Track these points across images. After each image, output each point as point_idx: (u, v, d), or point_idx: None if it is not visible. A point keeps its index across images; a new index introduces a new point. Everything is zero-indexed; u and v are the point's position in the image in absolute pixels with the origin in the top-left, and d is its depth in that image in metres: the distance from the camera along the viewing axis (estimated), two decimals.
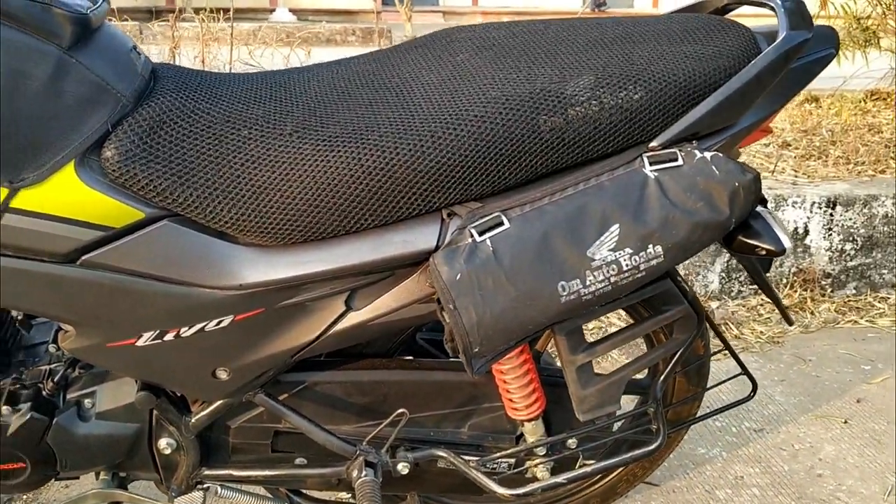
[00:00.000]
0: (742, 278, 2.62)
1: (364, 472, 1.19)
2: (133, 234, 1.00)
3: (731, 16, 1.25)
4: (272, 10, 11.06)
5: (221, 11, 3.42)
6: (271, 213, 1.00)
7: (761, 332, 2.47)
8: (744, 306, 2.61)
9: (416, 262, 1.05)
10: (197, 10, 3.15)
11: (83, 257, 0.99)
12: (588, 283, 1.00)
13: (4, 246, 0.97)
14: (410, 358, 1.31)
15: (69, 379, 1.20)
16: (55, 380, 1.17)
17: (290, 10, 11.10)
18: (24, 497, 1.80)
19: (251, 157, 1.00)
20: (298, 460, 1.28)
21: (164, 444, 1.21)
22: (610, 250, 1.00)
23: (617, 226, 1.01)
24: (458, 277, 0.97)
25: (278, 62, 3.20)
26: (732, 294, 2.63)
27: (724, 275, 2.61)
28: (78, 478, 1.29)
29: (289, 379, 1.22)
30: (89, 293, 1.01)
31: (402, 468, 1.24)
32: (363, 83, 1.12)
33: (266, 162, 1.00)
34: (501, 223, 1.01)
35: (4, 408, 1.14)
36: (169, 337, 1.06)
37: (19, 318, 1.26)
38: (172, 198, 0.98)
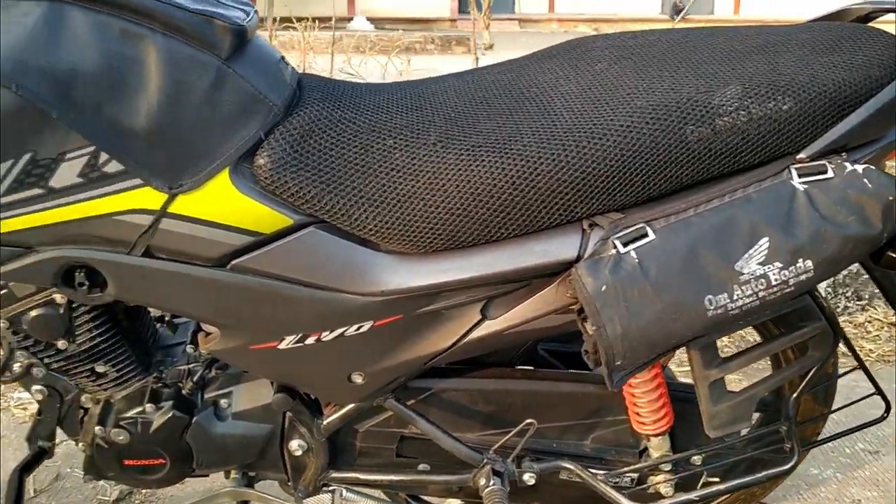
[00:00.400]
0: (849, 294, 2.54)
1: (492, 481, 1.19)
2: (281, 240, 1.02)
3: (874, 24, 1.22)
4: (350, 19, 11.24)
5: (316, 20, 3.49)
6: (414, 222, 1.01)
7: (870, 349, 2.38)
8: (851, 323, 2.52)
9: (555, 272, 1.05)
10: (299, 20, 3.22)
11: (233, 262, 1.02)
12: (735, 297, 0.98)
13: (160, 249, 1.01)
14: (532, 368, 1.31)
15: (206, 379, 1.24)
16: (194, 379, 1.21)
17: (368, 19, 11.26)
18: (143, 492, 1.86)
19: (396, 166, 1.01)
20: (422, 466, 1.29)
21: (296, 445, 1.23)
22: (759, 264, 0.98)
23: (766, 239, 0.98)
24: (602, 289, 0.97)
25: (373, 70, 3.25)
26: (839, 310, 2.55)
27: (829, 290, 2.53)
28: (208, 475, 1.33)
29: (416, 385, 1.23)
30: (237, 297, 1.04)
31: (528, 479, 1.23)
32: (501, 93, 1.13)
33: (410, 171, 1.01)
34: (646, 234, 0.99)
35: (148, 406, 1.18)
36: (310, 341, 1.08)
37: (166, 318, 1.31)
38: (320, 205, 1.00)
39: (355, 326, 1.07)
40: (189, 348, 1.27)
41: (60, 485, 1.87)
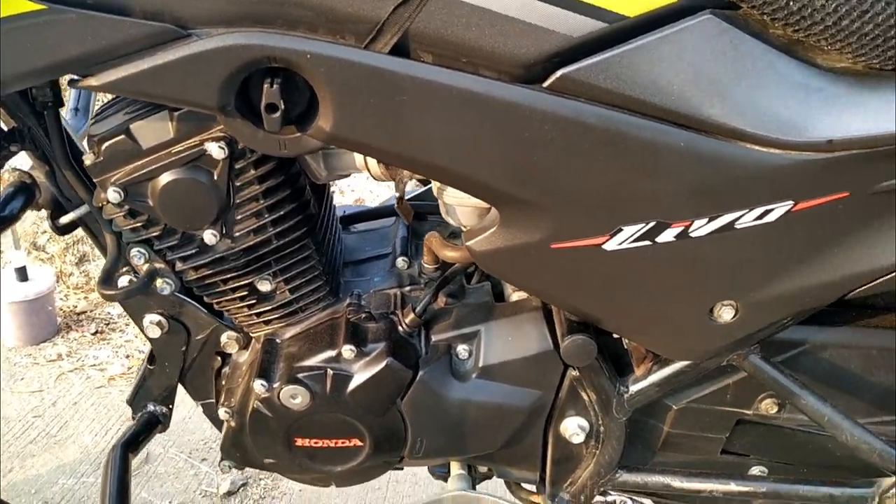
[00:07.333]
0: None
1: None
2: (653, 34, 0.54)
3: None
4: None
5: None
6: None
7: None
8: None
9: None
10: None
11: (561, 71, 0.54)
12: None
13: (424, 41, 0.54)
14: None
15: (429, 312, 0.76)
16: (417, 310, 0.73)
17: None
18: (261, 484, 1.40)
19: None
20: (756, 469, 0.80)
21: (573, 426, 0.75)
22: None
23: None
24: None
25: None
26: None
27: None
28: (402, 468, 0.85)
29: (781, 337, 0.73)
30: (559, 141, 0.56)
31: None
32: None
33: None
34: None
35: (347, 348, 0.71)
36: (667, 236, 0.59)
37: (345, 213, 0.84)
38: None
39: (759, 210, 0.58)
40: (401, 262, 0.79)
41: (151, 469, 1.42)
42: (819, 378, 0.75)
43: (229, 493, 1.36)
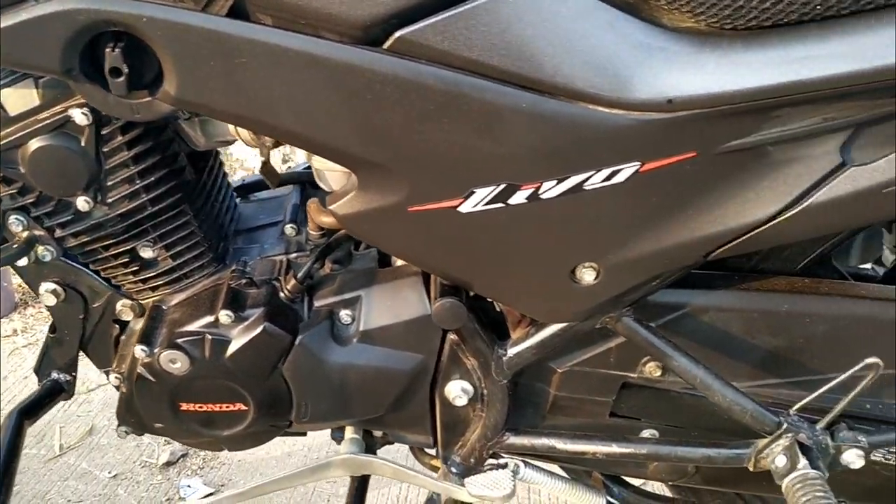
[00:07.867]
0: None
1: (800, 462, 0.70)
2: None
3: None
4: None
5: None
6: None
7: None
8: None
9: None
10: None
11: (398, 33, 0.54)
12: None
13: (262, 4, 0.54)
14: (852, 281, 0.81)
15: (315, 278, 0.77)
16: (298, 277, 0.74)
17: None
18: (201, 455, 1.41)
19: None
20: (648, 432, 0.81)
21: (457, 389, 0.76)
22: None
23: None
24: None
25: None
26: None
27: None
28: (305, 434, 0.87)
29: (661, 300, 0.74)
30: (402, 104, 0.56)
31: (854, 458, 0.74)
32: None
33: None
34: None
35: (224, 313, 0.71)
36: (518, 198, 0.60)
37: (244, 181, 0.85)
38: None
39: (607, 171, 0.59)
40: (289, 229, 0.80)
41: (94, 440, 1.44)
42: (700, 341, 0.76)
43: (168, 464, 1.38)
